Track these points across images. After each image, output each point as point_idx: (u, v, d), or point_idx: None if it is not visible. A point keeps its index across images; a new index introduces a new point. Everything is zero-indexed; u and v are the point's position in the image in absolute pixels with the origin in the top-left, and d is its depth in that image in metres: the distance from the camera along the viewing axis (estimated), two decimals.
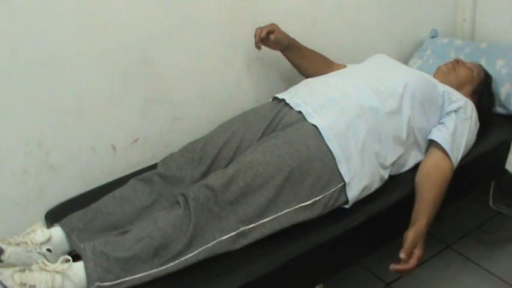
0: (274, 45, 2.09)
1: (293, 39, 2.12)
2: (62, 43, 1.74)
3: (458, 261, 2.35)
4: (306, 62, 2.20)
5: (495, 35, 2.66)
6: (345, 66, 2.23)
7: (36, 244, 1.54)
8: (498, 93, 2.31)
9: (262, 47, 2.05)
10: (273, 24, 2.04)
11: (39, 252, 1.52)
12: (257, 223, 1.56)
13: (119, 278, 1.42)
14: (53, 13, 1.70)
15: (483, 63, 2.38)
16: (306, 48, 2.18)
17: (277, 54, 2.19)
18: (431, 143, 1.90)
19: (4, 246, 1.48)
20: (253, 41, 2.03)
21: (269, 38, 2.03)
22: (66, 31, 1.74)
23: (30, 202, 1.83)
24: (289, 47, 2.13)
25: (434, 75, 2.17)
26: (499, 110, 2.33)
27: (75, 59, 1.78)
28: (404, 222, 1.67)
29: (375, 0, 2.50)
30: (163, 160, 1.81)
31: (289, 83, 2.25)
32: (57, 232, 1.61)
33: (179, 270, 1.48)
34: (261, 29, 2.01)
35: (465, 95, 2.07)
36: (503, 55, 2.40)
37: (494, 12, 2.68)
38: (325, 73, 2.12)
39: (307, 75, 2.21)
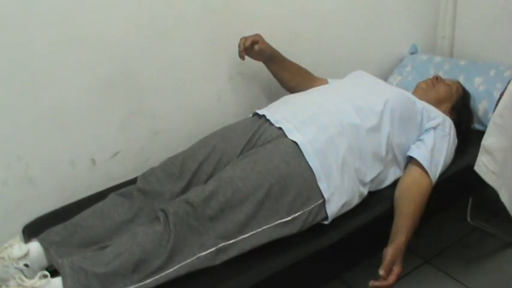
0: (258, 55, 2.09)
1: (277, 51, 2.13)
2: (42, 55, 1.73)
3: (437, 276, 2.36)
4: (288, 75, 2.21)
5: (473, 52, 2.70)
6: (326, 81, 2.24)
7: (14, 259, 1.52)
8: (476, 110, 2.34)
9: (246, 59, 2.05)
10: (257, 35, 2.05)
11: (16, 268, 1.50)
12: (237, 239, 1.55)
13: None
14: (34, 24, 1.69)
15: (461, 80, 2.42)
16: (289, 61, 2.19)
17: (258, 69, 2.20)
18: (410, 160, 1.92)
19: None
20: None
21: (253, 48, 2.03)
22: (48, 44, 1.73)
23: (7, 216, 1.81)
24: (272, 59, 2.14)
25: (414, 92, 2.19)
26: (476, 126, 2.35)
27: (55, 71, 1.77)
28: (384, 238, 1.68)
29: (356, 16, 2.53)
30: (143, 175, 1.81)
31: (270, 98, 2.27)
32: (35, 247, 1.59)
33: (159, 285, 1.47)
34: (246, 38, 2.02)
35: (444, 111, 2.09)
36: (481, 72, 2.44)
37: (472, 30, 2.72)
38: (307, 87, 2.15)
39: (288, 88, 2.23)
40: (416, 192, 1.81)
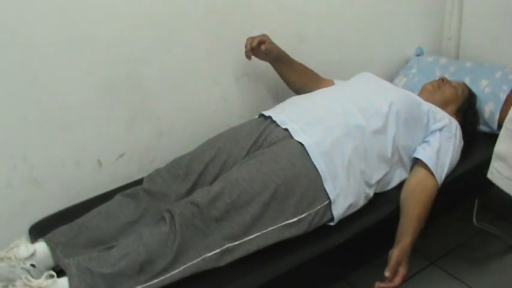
0: (265, 55, 2.09)
1: (283, 52, 2.13)
2: (48, 58, 1.74)
3: (442, 278, 2.36)
4: (294, 76, 2.21)
5: (479, 54, 2.69)
6: (332, 82, 2.25)
7: (20, 259, 1.52)
8: (482, 112, 2.34)
9: (252, 60, 2.06)
10: (264, 35, 2.05)
11: (22, 268, 1.51)
12: (242, 240, 1.56)
13: None
14: (39, 27, 1.70)
15: (467, 82, 2.41)
16: (295, 62, 2.19)
17: (264, 70, 2.20)
18: (416, 161, 1.92)
19: None
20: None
21: (260, 48, 2.03)
22: (52, 44, 1.73)
23: (13, 216, 1.81)
24: (279, 59, 2.14)
25: (420, 94, 2.19)
26: (482, 128, 2.35)
27: (61, 73, 1.78)
28: (389, 240, 1.68)
29: (361, 18, 2.53)
30: (149, 176, 1.81)
31: (276, 100, 2.27)
32: (41, 247, 1.59)
33: (164, 286, 1.47)
34: (252, 38, 2.02)
35: (450, 113, 2.09)
36: (487, 74, 2.43)
37: (478, 31, 2.71)
38: (313, 88, 2.16)
39: (295, 89, 2.24)
40: (422, 193, 1.81)
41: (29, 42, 1.69)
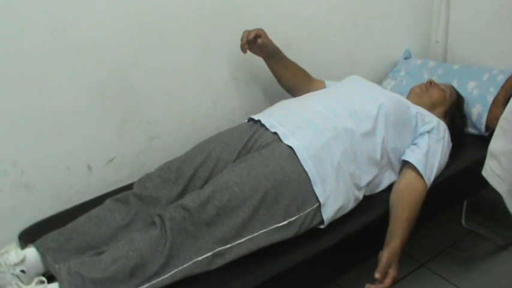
0: (259, 50, 2.10)
1: (278, 48, 2.14)
2: (39, 62, 1.73)
3: (432, 280, 2.37)
4: (287, 73, 2.22)
5: (467, 57, 2.72)
6: (323, 83, 2.26)
7: (10, 265, 1.52)
8: (470, 114, 2.35)
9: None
10: (260, 29, 2.05)
11: (12, 274, 1.51)
12: (233, 243, 1.56)
13: None
14: (30, 33, 1.69)
15: (455, 84, 2.43)
16: (289, 60, 2.20)
17: (254, 74, 2.21)
18: (405, 164, 1.93)
19: None
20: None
21: (256, 41, 2.04)
22: (43, 50, 1.73)
23: (3, 222, 1.80)
24: (273, 55, 2.15)
25: (408, 97, 2.21)
26: (470, 130, 2.37)
27: (51, 78, 1.78)
28: (379, 242, 1.68)
29: (350, 21, 2.54)
30: (140, 180, 1.80)
31: (266, 103, 2.27)
32: (31, 253, 1.59)
33: None
34: (249, 32, 2.02)
35: (438, 115, 2.10)
36: (475, 77, 2.44)
37: (466, 34, 2.74)
38: (304, 87, 2.19)
39: (286, 87, 2.25)
40: (411, 195, 1.81)
41: (19, 47, 1.69)
